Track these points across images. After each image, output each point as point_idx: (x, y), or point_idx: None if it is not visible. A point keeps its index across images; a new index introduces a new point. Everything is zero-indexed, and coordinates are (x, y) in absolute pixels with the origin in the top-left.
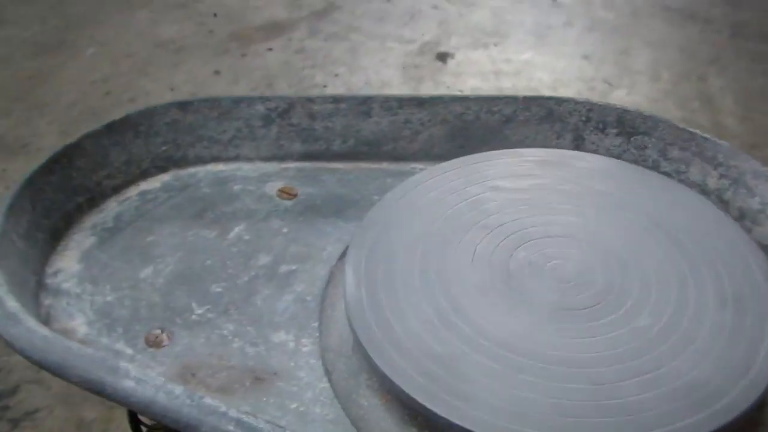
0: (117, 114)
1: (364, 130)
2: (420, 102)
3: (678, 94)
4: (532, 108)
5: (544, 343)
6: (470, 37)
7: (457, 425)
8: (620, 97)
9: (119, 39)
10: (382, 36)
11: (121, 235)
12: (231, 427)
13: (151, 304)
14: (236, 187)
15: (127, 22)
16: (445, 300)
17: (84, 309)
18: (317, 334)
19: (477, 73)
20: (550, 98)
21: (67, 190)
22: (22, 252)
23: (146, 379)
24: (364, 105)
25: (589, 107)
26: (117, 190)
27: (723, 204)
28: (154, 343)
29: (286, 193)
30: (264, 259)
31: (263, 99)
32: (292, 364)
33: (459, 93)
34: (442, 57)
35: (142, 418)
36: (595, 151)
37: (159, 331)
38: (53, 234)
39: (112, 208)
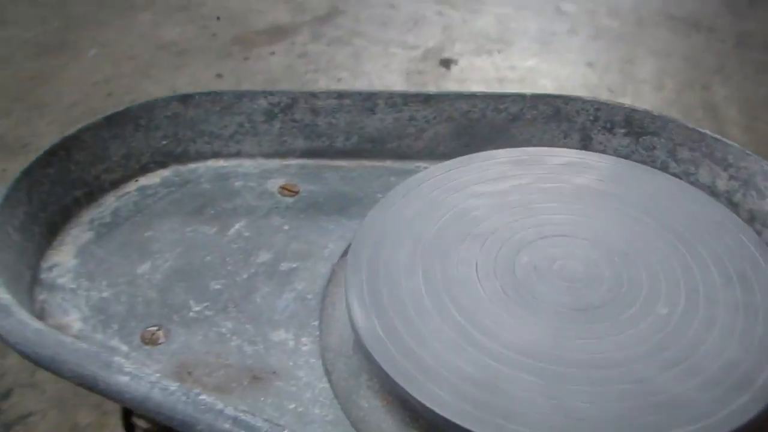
0: None
1: (368, 127)
2: (425, 99)
3: (682, 102)
4: (539, 106)
5: (573, 348)
6: (474, 44)
7: None
8: None
9: (121, 41)
10: (386, 41)
11: (119, 230)
12: (228, 426)
13: (147, 300)
14: (237, 184)
15: (130, 24)
16: (463, 318)
17: (79, 305)
18: (317, 333)
19: (481, 80)
20: (557, 97)
21: (65, 184)
22: (17, 245)
23: (141, 374)
24: (368, 101)
25: (597, 106)
26: (116, 184)
27: (733, 206)
28: (150, 341)
29: (287, 190)
30: (264, 257)
31: (266, 93)
32: (292, 363)
33: (465, 90)
34: (446, 63)
35: (136, 421)
36: (603, 152)
37: (155, 328)
38: (50, 228)
39: (110, 202)
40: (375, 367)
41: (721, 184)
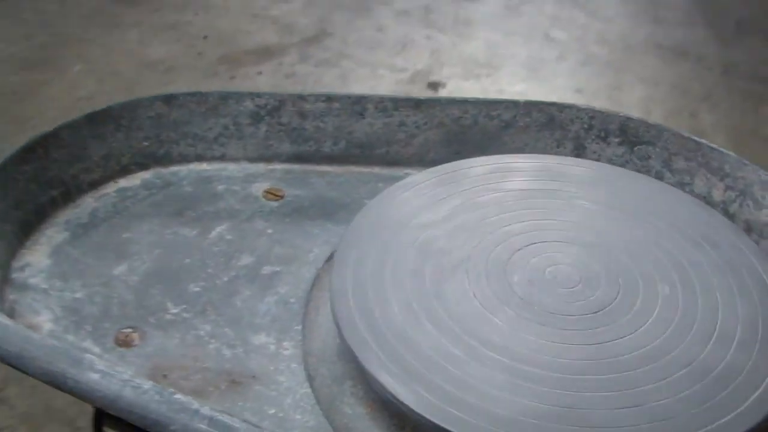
0: None
1: (357, 132)
2: (416, 104)
3: None
4: (532, 114)
5: (585, 356)
6: (462, 68)
7: None
8: None
9: (107, 58)
10: (374, 63)
11: (96, 231)
12: (203, 426)
13: (123, 302)
14: (220, 187)
15: (116, 41)
16: (467, 334)
17: (51, 305)
18: (300, 338)
19: None
20: (551, 104)
21: (41, 182)
22: None
23: (112, 372)
24: (357, 105)
25: (592, 114)
26: (94, 185)
27: (729, 217)
28: (123, 343)
29: (272, 194)
30: (246, 260)
31: (253, 95)
32: (272, 367)
33: (456, 96)
34: (434, 86)
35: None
36: (597, 161)
37: (130, 330)
38: (23, 227)
39: (88, 203)
40: (360, 372)
41: (717, 194)
